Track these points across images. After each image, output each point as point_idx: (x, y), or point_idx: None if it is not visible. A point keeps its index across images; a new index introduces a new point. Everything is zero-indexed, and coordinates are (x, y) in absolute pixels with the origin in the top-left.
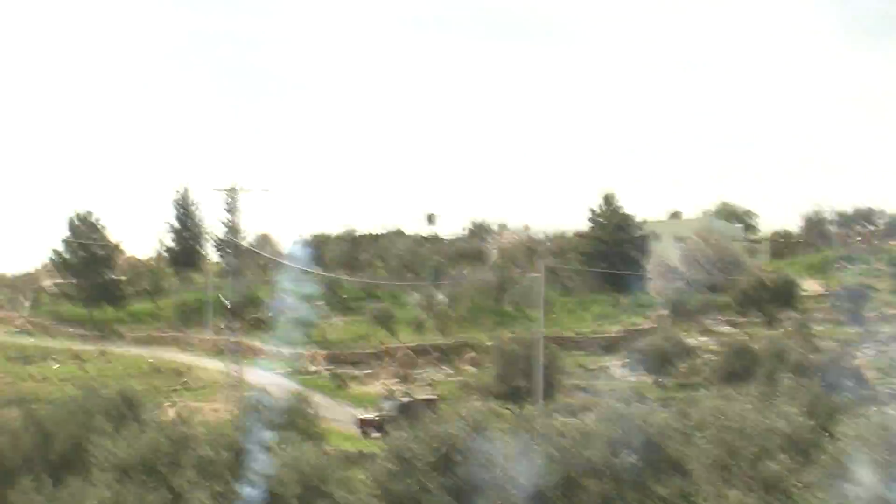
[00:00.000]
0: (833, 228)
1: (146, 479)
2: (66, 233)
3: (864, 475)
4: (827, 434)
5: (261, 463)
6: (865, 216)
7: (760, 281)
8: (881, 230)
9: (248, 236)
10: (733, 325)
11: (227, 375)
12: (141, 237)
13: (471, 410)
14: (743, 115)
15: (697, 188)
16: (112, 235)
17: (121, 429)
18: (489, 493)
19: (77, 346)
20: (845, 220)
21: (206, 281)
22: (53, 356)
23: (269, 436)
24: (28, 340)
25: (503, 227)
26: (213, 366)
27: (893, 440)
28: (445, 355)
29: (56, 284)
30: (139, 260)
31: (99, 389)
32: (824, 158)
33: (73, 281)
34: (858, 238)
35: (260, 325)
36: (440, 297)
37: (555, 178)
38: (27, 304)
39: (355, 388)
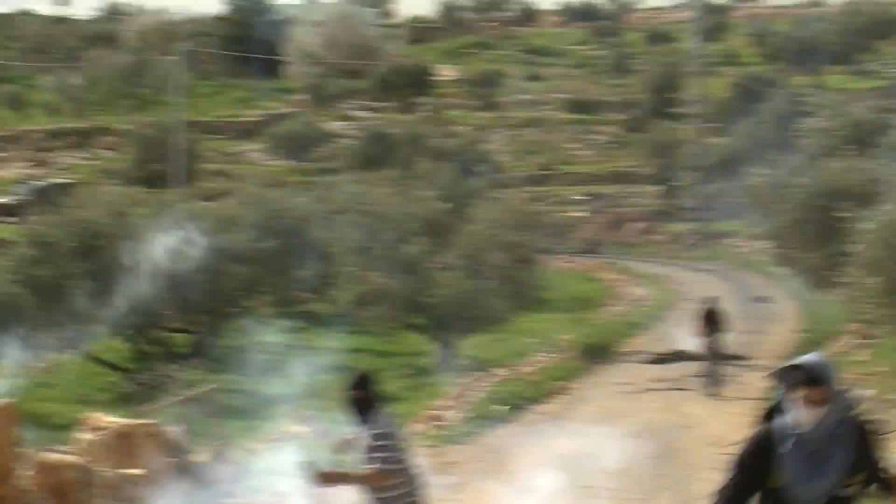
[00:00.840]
0: (468, 15)
1: None
2: None
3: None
4: (461, 217)
5: None
6: (499, 4)
7: (397, 66)
8: (515, 17)
9: None
10: (371, 110)
11: None
12: None
13: (110, 195)
14: None
15: None
16: None
17: None
18: (133, 277)
19: None
20: (481, 7)
21: None
22: None
23: None
24: None
25: (139, 9)
26: None
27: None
28: (82, 140)
29: None
30: None
31: None
32: None
33: None
34: (492, 24)
35: None
36: (75, 80)
37: None
38: None
39: None
